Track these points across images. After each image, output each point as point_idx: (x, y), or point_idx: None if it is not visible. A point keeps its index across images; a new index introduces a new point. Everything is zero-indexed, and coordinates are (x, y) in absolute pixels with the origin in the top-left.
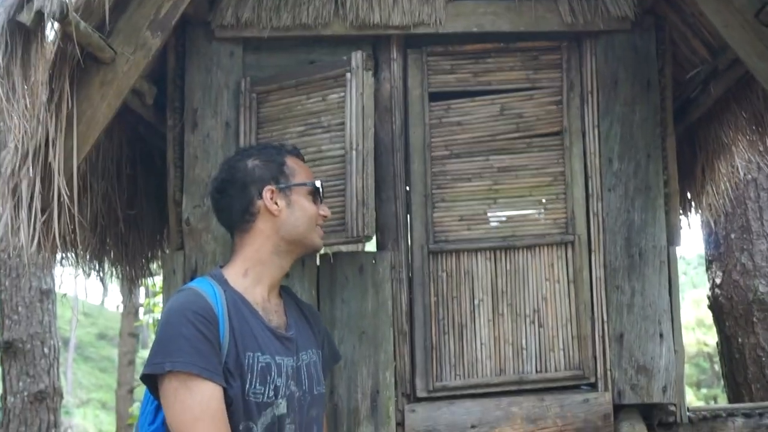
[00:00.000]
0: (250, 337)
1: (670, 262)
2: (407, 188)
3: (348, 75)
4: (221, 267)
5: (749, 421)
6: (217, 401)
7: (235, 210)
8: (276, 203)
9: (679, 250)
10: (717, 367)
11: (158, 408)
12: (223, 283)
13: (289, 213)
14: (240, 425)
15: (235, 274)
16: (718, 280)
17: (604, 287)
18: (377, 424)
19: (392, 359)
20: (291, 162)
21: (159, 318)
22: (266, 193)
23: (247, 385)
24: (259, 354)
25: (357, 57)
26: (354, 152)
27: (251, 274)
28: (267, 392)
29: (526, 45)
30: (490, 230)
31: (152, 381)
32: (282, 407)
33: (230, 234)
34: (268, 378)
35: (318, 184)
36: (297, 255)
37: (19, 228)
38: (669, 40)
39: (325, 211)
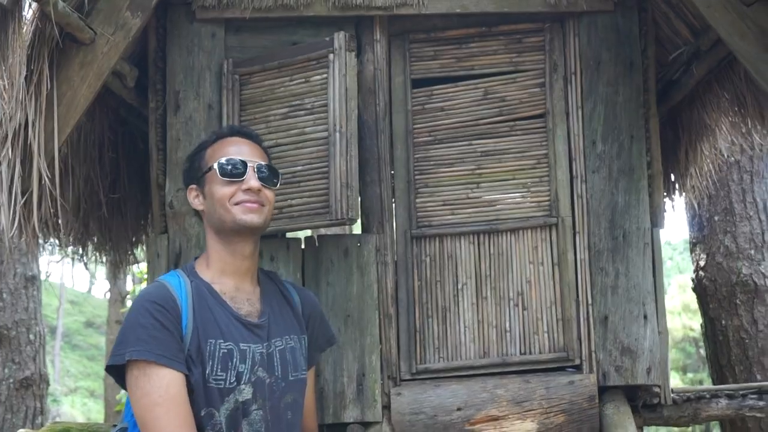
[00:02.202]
0: (212, 325)
1: (654, 244)
2: (392, 172)
3: (331, 56)
4: (196, 259)
5: (732, 402)
6: (176, 387)
7: (190, 213)
8: (197, 199)
9: (665, 235)
10: (703, 351)
11: None
12: (193, 274)
13: (208, 204)
14: (202, 411)
15: (202, 266)
16: (702, 263)
17: (589, 269)
18: (363, 407)
19: (378, 342)
20: (212, 149)
21: None
22: (190, 194)
23: (208, 371)
24: (221, 341)
25: (340, 38)
26: (337, 134)
27: (212, 265)
28: (228, 378)
29: (509, 28)
30: (473, 214)
31: (120, 372)
32: (246, 393)
33: None
34: (230, 364)
35: (216, 164)
36: (234, 237)
37: None
38: (651, 21)
39: (248, 184)
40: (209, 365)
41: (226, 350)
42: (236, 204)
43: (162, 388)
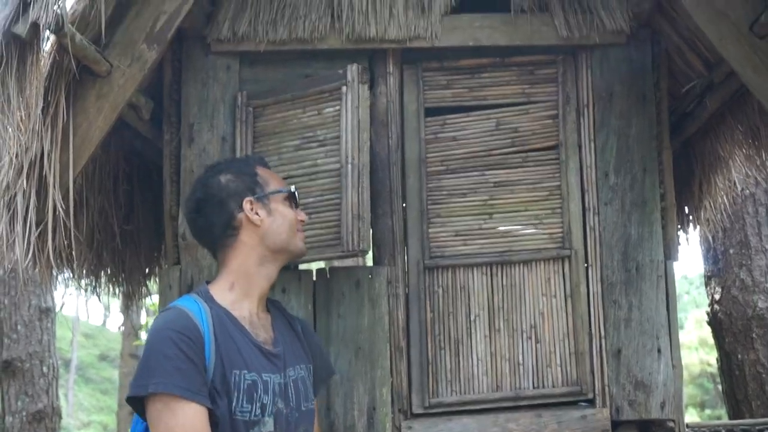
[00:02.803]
0: (236, 355)
1: (668, 277)
2: (404, 205)
3: (344, 88)
4: (207, 283)
5: None
6: (201, 422)
7: (216, 227)
8: (257, 213)
9: (682, 269)
10: (720, 388)
11: (147, 430)
12: (209, 299)
13: (270, 221)
14: None
15: (221, 290)
16: (717, 296)
17: (602, 302)
18: None
19: (389, 375)
20: (261, 171)
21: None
22: (246, 205)
23: (234, 404)
24: (245, 371)
25: (353, 70)
26: (349, 166)
27: (237, 287)
28: (254, 410)
29: (522, 59)
30: (486, 245)
31: (139, 403)
32: (269, 425)
33: (212, 252)
34: (255, 395)
35: (293, 189)
36: (282, 263)
37: (14, 242)
38: (664, 54)
39: (302, 215)
40: (235, 397)
41: (250, 381)
42: (299, 231)
43: (187, 424)
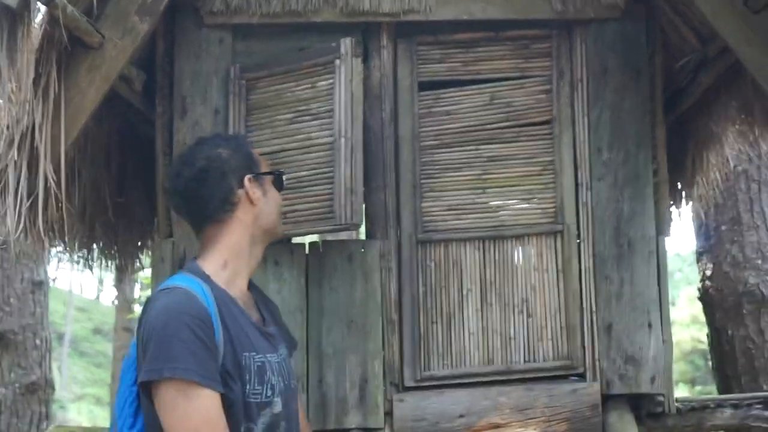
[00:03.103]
0: (244, 337)
1: (659, 253)
2: (397, 179)
3: (337, 62)
4: (195, 259)
5: (737, 412)
6: (216, 409)
7: (214, 200)
8: (254, 191)
9: (675, 247)
10: (711, 363)
11: (138, 410)
12: (206, 279)
13: (264, 202)
14: (241, 427)
15: (214, 268)
16: (708, 272)
17: (593, 277)
18: (365, 413)
19: (381, 348)
20: (254, 151)
21: (148, 317)
22: (247, 182)
23: (248, 386)
24: (254, 353)
25: (346, 43)
26: (342, 139)
27: (230, 266)
28: (265, 392)
29: (516, 34)
30: (479, 220)
31: (147, 386)
32: (278, 405)
33: (199, 226)
34: (265, 377)
35: (280, 173)
36: (268, 243)
37: (5, 214)
38: (659, 29)
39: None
40: (248, 380)
41: (260, 363)
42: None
43: (203, 411)
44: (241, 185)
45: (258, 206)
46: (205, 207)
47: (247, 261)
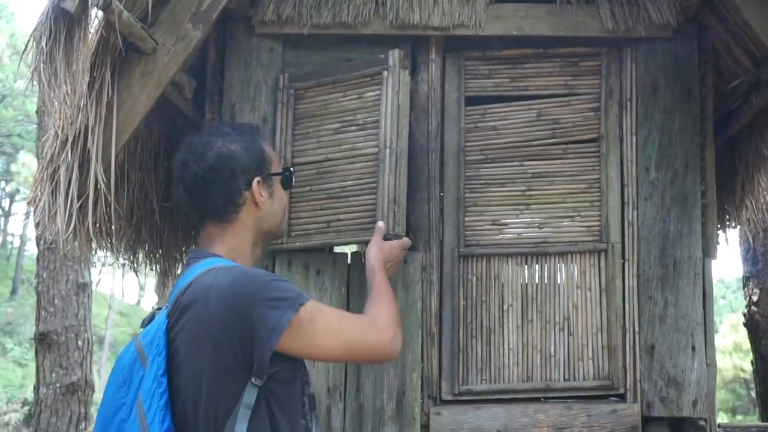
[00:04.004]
0: None
1: (705, 275)
2: (441, 192)
3: (384, 73)
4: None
5: None
6: None
7: (219, 200)
8: (261, 194)
9: (718, 272)
10: (754, 393)
11: (167, 404)
12: None
13: (270, 204)
14: (304, 397)
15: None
16: (755, 298)
17: (637, 297)
18: (402, 426)
19: (419, 361)
20: (266, 147)
21: (223, 290)
22: (255, 185)
23: (299, 363)
24: None
25: (395, 55)
26: (387, 150)
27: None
28: (304, 371)
29: (566, 51)
30: (522, 235)
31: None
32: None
33: (200, 221)
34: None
35: (290, 172)
36: (268, 243)
37: (55, 213)
38: (711, 49)
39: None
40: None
41: None
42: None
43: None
44: (249, 186)
45: (263, 209)
46: (209, 205)
47: (248, 261)
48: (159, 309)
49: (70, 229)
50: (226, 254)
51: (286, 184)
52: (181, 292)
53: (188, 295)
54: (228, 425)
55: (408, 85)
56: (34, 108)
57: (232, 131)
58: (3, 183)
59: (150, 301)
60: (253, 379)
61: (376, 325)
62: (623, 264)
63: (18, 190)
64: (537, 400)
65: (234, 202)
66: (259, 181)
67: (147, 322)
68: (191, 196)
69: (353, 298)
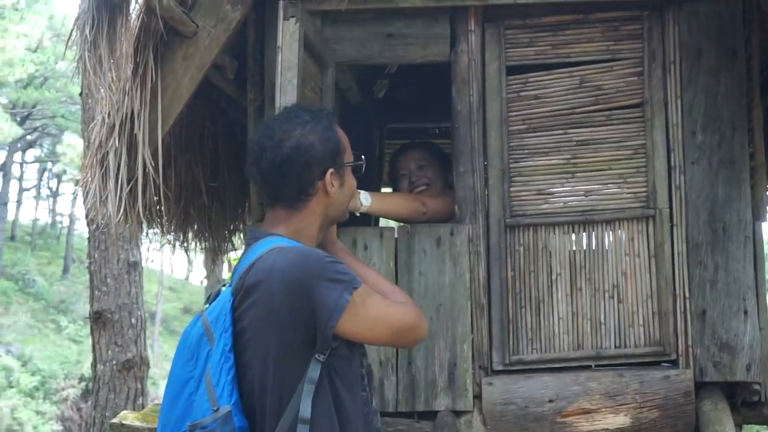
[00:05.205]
0: None
1: (756, 238)
2: (485, 163)
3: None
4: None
5: None
6: None
7: (291, 188)
8: (332, 184)
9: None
10: None
11: (234, 379)
12: None
13: (340, 192)
14: (363, 366)
15: None
16: None
17: (686, 262)
18: (455, 396)
19: (470, 332)
20: (341, 135)
21: (284, 271)
22: (329, 176)
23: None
24: None
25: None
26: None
27: None
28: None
29: (606, 15)
30: (568, 204)
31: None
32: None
33: (271, 202)
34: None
35: (362, 161)
36: (330, 227)
37: (106, 198)
38: (756, 8)
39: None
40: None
41: None
42: None
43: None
44: (323, 177)
45: (333, 197)
46: (282, 192)
47: (311, 244)
48: (224, 286)
49: (121, 212)
50: (291, 235)
51: (358, 171)
52: (245, 271)
53: (252, 276)
54: (293, 400)
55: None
56: (77, 89)
57: (311, 119)
58: (50, 164)
59: (198, 276)
60: (316, 356)
61: (415, 308)
62: (672, 229)
63: (65, 171)
64: (588, 368)
65: (306, 191)
66: (332, 172)
67: (212, 298)
68: (265, 180)
69: (401, 272)
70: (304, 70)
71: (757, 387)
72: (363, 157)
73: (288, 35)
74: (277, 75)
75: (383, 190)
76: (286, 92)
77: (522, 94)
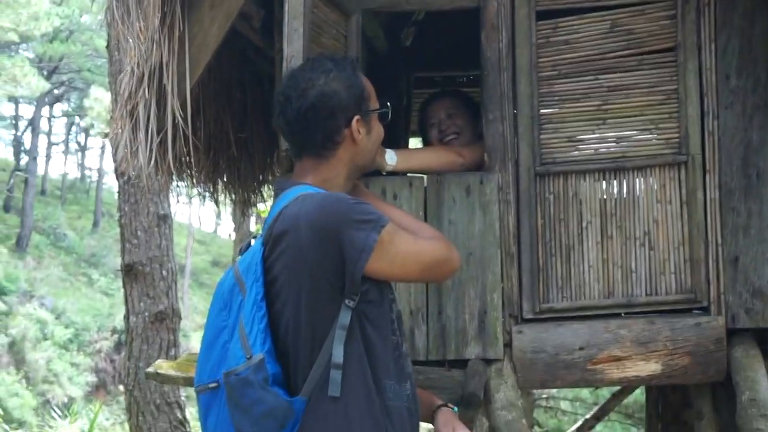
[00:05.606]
0: None
1: None
2: (514, 110)
3: None
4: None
5: None
6: None
7: (319, 136)
8: (359, 131)
9: None
10: None
11: (267, 328)
12: None
13: (367, 140)
14: (393, 311)
15: None
16: None
17: (719, 209)
18: (485, 345)
19: (499, 280)
20: (366, 82)
21: (311, 217)
22: (355, 123)
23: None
24: None
25: None
26: None
27: None
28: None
29: None
30: (599, 151)
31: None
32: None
33: (298, 152)
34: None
35: (387, 108)
36: (357, 177)
37: (137, 149)
38: None
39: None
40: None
41: None
42: None
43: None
44: (348, 124)
45: (360, 145)
46: (309, 141)
47: (340, 192)
48: (255, 237)
49: (152, 164)
50: (318, 184)
51: (384, 118)
52: (273, 221)
53: (279, 225)
54: (326, 346)
55: None
56: (103, 43)
57: (334, 67)
58: (77, 118)
59: (227, 228)
60: (346, 301)
61: (445, 242)
62: (704, 176)
63: (92, 125)
64: (618, 315)
65: (333, 139)
66: (358, 119)
67: (244, 249)
68: (291, 130)
69: (430, 221)
70: (323, 18)
71: None
72: (389, 104)
73: None
74: (285, 24)
75: (411, 140)
76: (292, 41)
77: (552, 39)
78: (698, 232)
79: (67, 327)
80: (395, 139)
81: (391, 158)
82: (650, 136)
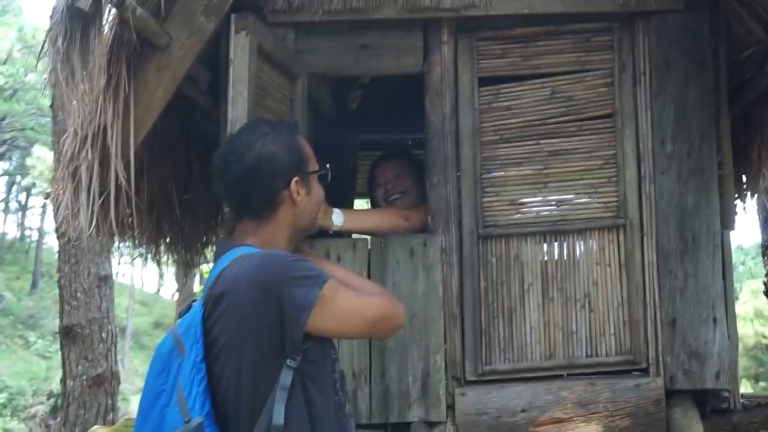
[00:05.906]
0: None
1: (724, 246)
2: (458, 173)
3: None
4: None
5: None
6: None
7: (258, 200)
8: (298, 193)
9: (737, 239)
10: None
11: (206, 390)
12: None
13: (307, 201)
14: (336, 371)
15: None
16: None
17: (657, 271)
18: (428, 407)
19: (443, 342)
20: (304, 145)
21: (251, 275)
22: (293, 185)
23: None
24: None
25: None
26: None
27: None
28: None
29: (577, 27)
30: (540, 214)
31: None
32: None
33: (237, 215)
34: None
35: (327, 169)
36: (301, 239)
37: (78, 211)
38: (723, 20)
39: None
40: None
41: None
42: None
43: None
44: (287, 186)
45: (300, 206)
46: (248, 203)
47: None
48: (195, 300)
49: (93, 225)
50: (259, 245)
51: (324, 180)
52: (213, 283)
53: (219, 285)
54: (267, 407)
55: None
56: (47, 101)
57: (271, 130)
58: (19, 177)
59: (170, 289)
60: (288, 361)
61: (389, 297)
62: (642, 238)
63: (34, 184)
64: (560, 377)
65: (272, 201)
66: (297, 181)
67: (183, 312)
68: (231, 194)
69: (374, 282)
70: (269, 81)
71: (726, 394)
72: (328, 166)
73: (239, 48)
74: (229, 88)
75: (357, 201)
76: (237, 105)
77: (494, 105)
78: (637, 294)
79: (0, 391)
80: (341, 200)
81: (338, 218)
82: (590, 199)
